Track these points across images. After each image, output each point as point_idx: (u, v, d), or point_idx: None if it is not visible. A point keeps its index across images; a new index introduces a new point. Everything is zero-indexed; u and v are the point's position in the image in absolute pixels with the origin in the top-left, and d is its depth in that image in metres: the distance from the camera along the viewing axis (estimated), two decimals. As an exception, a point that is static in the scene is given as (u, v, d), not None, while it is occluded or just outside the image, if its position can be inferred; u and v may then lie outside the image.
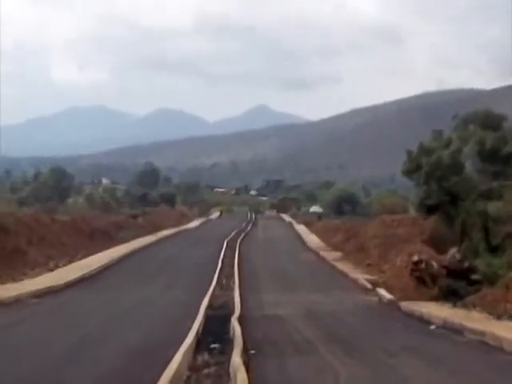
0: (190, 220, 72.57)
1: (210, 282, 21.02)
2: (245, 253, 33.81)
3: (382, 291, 18.80)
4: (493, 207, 26.24)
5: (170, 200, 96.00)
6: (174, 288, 21.00)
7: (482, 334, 12.41)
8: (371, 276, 22.73)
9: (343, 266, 26.96)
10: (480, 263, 19.25)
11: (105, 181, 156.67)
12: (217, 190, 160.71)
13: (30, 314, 15.56)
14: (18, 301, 16.91)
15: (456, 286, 17.13)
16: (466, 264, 18.42)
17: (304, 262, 30.43)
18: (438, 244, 23.45)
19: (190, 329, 12.38)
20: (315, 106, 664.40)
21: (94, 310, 16.27)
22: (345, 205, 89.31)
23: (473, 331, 12.73)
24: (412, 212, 41.40)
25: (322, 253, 33.88)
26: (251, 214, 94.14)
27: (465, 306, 15.59)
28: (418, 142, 32.38)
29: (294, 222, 72.63)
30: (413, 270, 18.54)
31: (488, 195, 28.00)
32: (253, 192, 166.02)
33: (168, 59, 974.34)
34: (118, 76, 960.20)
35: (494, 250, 23.96)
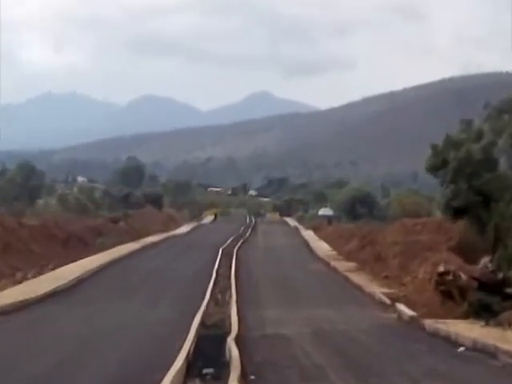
0: (178, 225, 72.61)
1: (203, 296, 20.99)
2: (243, 263, 33.80)
3: (403, 307, 18.77)
4: (531, 210, 26.20)
5: (156, 201, 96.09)
6: (161, 304, 20.95)
7: (519, 356, 12.38)
8: (390, 289, 22.72)
9: (357, 278, 26.96)
10: (516, 275, 19.21)
11: (81, 179, 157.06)
12: (211, 189, 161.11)
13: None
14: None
15: (488, 300, 17.09)
16: (500, 275, 18.40)
17: (312, 273, 30.44)
18: (467, 252, 23.45)
19: (179, 351, 12.35)
20: (324, 93, 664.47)
21: (69, 329, 16.22)
22: (359, 207, 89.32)
23: (508, 354, 12.71)
24: (437, 215, 41.47)
25: (332, 263, 33.91)
26: (250, 218, 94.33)
27: (499, 325, 15.58)
28: (443, 134, 32.40)
29: (300, 227, 72.76)
30: (438, 283, 18.52)
31: (525, 196, 27.96)
32: (252, 192, 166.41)
33: (155, 39, 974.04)
34: (97, 59, 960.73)
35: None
